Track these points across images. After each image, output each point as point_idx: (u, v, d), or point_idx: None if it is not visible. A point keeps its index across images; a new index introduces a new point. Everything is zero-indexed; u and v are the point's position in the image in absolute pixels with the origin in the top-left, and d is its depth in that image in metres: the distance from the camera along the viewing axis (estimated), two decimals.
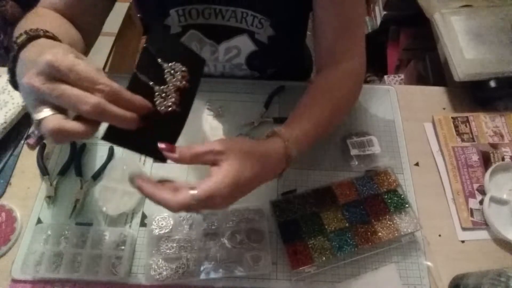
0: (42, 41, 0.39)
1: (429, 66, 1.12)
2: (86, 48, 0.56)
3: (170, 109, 0.39)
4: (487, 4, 0.76)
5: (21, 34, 0.39)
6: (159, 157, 0.40)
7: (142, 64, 0.38)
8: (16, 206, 0.59)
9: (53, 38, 0.41)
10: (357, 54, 0.58)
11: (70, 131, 0.33)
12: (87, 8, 0.56)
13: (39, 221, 0.58)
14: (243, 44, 0.65)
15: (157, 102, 0.38)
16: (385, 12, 1.35)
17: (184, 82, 0.40)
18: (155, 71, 0.39)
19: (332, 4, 0.55)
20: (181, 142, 0.41)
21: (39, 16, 0.51)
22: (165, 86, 0.39)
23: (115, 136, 0.36)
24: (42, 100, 0.33)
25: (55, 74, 0.32)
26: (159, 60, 0.39)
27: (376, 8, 1.42)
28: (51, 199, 0.59)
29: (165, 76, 0.39)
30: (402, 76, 1.33)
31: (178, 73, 0.40)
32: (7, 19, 1.47)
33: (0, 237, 0.56)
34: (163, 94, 0.39)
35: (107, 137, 0.36)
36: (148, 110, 0.36)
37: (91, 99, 0.32)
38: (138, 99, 0.36)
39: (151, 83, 0.38)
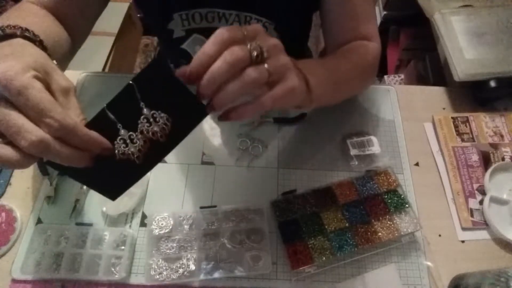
0: (16, 41, 0.35)
1: (429, 66, 1.12)
2: (73, 48, 0.55)
3: (127, 157, 0.35)
4: (487, 4, 0.76)
5: None
6: (107, 195, 0.37)
7: (116, 101, 0.33)
8: (16, 206, 0.59)
9: (32, 39, 0.37)
10: (374, 39, 0.59)
11: None
12: (77, 7, 0.54)
13: (39, 221, 0.58)
14: None
15: (116, 145, 0.34)
16: (385, 12, 1.35)
17: (159, 135, 0.35)
18: (130, 113, 0.34)
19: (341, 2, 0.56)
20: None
21: (23, 11, 0.48)
22: (135, 133, 0.34)
23: (58, 165, 0.32)
24: None
25: (2, 93, 0.28)
26: (142, 103, 0.34)
27: (376, 8, 1.42)
28: (51, 199, 0.59)
29: (139, 121, 0.34)
30: (402, 76, 1.33)
31: (160, 123, 0.34)
32: None
33: (0, 237, 0.56)
34: (127, 140, 0.34)
35: (50, 163, 0.32)
36: (105, 151, 0.33)
37: (31, 135, 0.28)
38: (93, 138, 0.32)
39: (119, 125, 0.34)
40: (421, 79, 1.17)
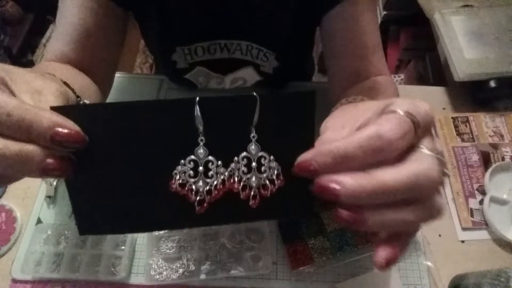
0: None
1: (429, 66, 1.12)
2: (102, 95, 0.53)
3: (184, 194, 0.24)
4: (487, 4, 0.76)
5: None
6: (86, 226, 0.25)
7: (215, 104, 0.23)
8: (16, 206, 0.59)
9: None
10: (386, 72, 0.55)
11: None
12: (99, 48, 0.52)
13: (39, 221, 0.58)
14: (249, 76, 0.65)
15: (179, 168, 0.24)
16: (385, 12, 1.35)
17: (251, 194, 0.24)
18: (228, 135, 0.24)
19: (348, 30, 0.52)
20: None
21: (43, 70, 0.45)
22: (217, 163, 0.24)
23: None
24: None
25: None
26: (254, 133, 0.24)
27: (376, 8, 1.42)
28: (51, 199, 0.59)
29: (236, 159, 0.24)
30: (402, 76, 1.33)
31: (263, 175, 0.24)
32: (7, 19, 1.48)
33: (0, 237, 0.56)
34: (201, 167, 0.24)
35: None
36: (76, 140, 0.22)
37: None
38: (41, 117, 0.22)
39: (201, 137, 0.23)
40: (421, 79, 1.17)
